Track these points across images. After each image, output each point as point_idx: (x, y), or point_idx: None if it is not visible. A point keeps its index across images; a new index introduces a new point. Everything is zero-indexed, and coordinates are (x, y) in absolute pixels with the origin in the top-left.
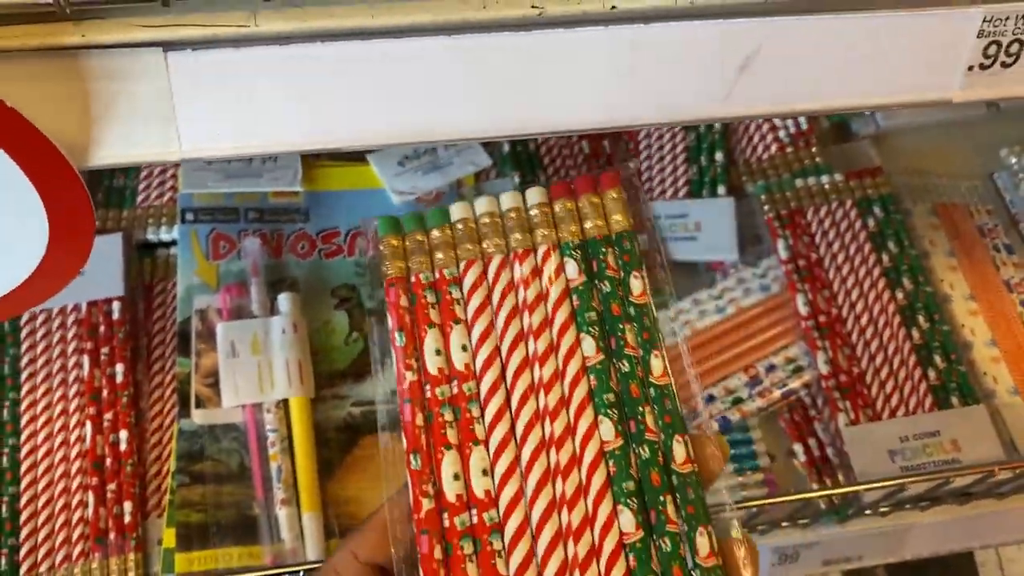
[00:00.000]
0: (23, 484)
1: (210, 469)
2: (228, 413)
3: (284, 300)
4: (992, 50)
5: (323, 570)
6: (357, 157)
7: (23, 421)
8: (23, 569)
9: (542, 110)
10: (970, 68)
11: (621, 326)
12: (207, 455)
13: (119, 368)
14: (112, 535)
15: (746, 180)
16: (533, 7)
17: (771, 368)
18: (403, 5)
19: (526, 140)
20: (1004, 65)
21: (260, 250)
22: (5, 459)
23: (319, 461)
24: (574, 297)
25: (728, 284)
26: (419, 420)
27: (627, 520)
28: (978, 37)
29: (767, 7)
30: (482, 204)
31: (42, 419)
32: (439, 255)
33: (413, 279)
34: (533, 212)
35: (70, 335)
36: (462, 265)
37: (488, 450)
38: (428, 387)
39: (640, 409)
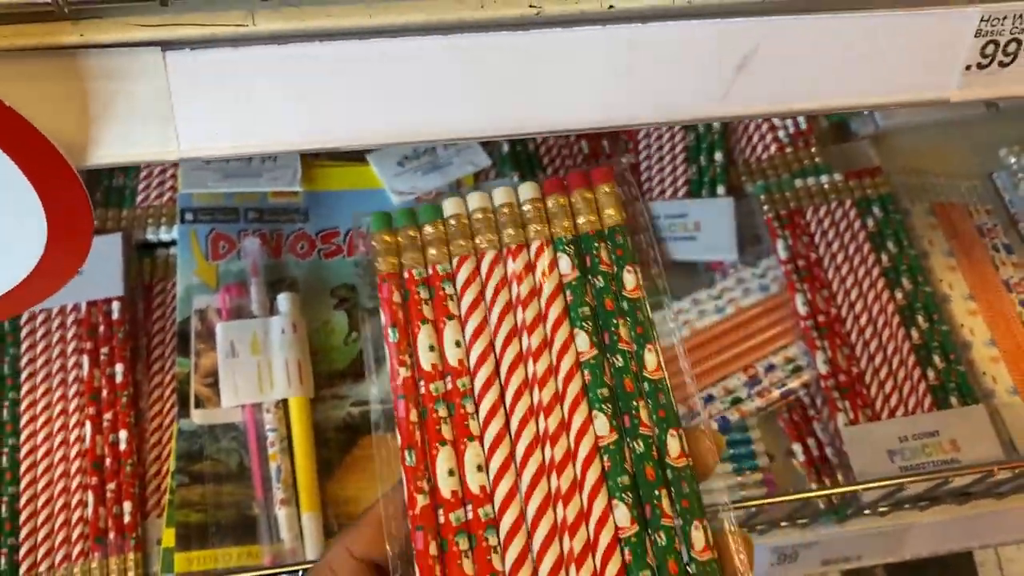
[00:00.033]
0: (23, 484)
1: (209, 469)
2: (227, 413)
3: (283, 300)
4: (990, 49)
5: (318, 567)
6: (356, 157)
7: (23, 421)
8: (23, 569)
9: (540, 109)
10: (968, 67)
11: (615, 321)
12: (206, 455)
13: (119, 368)
14: (112, 535)
15: (745, 180)
16: (531, 6)
17: (770, 368)
18: (401, 5)
19: (525, 140)
20: (1002, 64)
21: (259, 250)
22: (5, 459)
23: (318, 461)
24: (567, 292)
25: (727, 284)
26: (413, 416)
27: (622, 515)
28: (975, 36)
29: (765, 7)
30: (475, 200)
31: (42, 419)
32: (432, 251)
33: (406, 275)
34: (526, 207)
35: (70, 335)
36: (455, 261)
37: (483, 446)
38: (422, 383)
39: (634, 404)
